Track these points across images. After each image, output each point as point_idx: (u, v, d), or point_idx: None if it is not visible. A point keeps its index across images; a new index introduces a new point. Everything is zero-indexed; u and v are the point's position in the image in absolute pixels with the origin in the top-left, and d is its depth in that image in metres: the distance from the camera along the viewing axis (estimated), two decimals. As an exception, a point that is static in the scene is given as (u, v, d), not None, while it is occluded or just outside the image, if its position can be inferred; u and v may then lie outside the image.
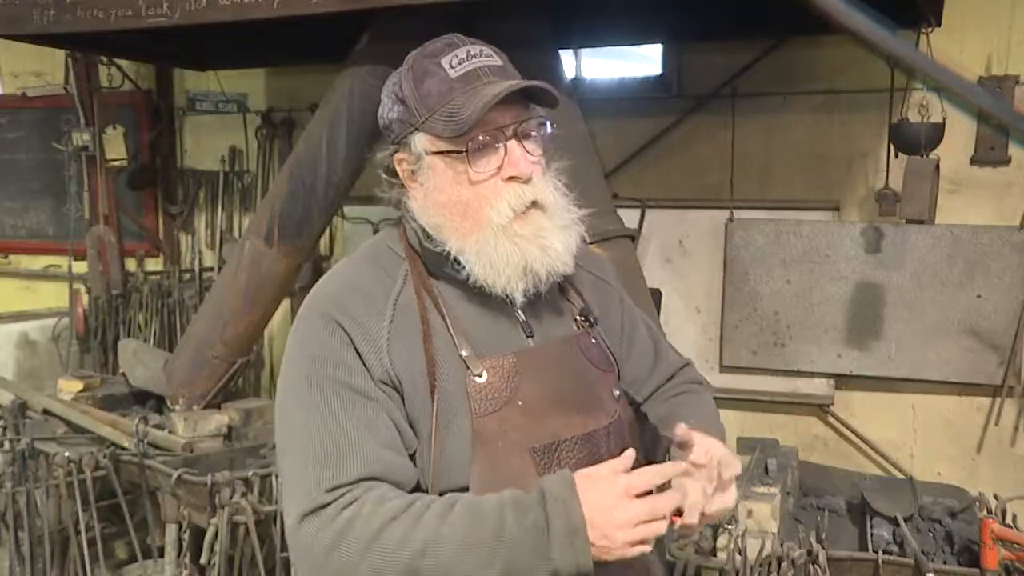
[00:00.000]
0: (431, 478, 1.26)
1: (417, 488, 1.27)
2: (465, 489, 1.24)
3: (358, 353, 1.25)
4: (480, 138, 1.25)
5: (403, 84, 1.30)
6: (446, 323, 1.30)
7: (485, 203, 1.27)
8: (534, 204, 1.28)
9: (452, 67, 1.26)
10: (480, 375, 1.27)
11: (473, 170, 1.26)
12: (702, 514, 1.26)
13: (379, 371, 1.25)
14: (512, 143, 1.27)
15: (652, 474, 1.14)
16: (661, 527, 1.13)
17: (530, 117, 1.29)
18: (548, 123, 1.33)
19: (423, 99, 1.26)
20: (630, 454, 1.17)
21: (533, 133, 1.30)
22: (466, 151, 1.25)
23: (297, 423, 1.26)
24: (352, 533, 1.15)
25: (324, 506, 1.18)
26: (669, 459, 1.32)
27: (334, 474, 1.19)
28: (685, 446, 1.27)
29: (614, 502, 1.11)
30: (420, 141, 1.29)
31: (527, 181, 1.27)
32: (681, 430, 1.26)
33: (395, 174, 1.35)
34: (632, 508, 1.12)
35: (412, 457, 1.27)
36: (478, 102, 1.22)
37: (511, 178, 1.27)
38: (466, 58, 1.27)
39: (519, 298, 1.30)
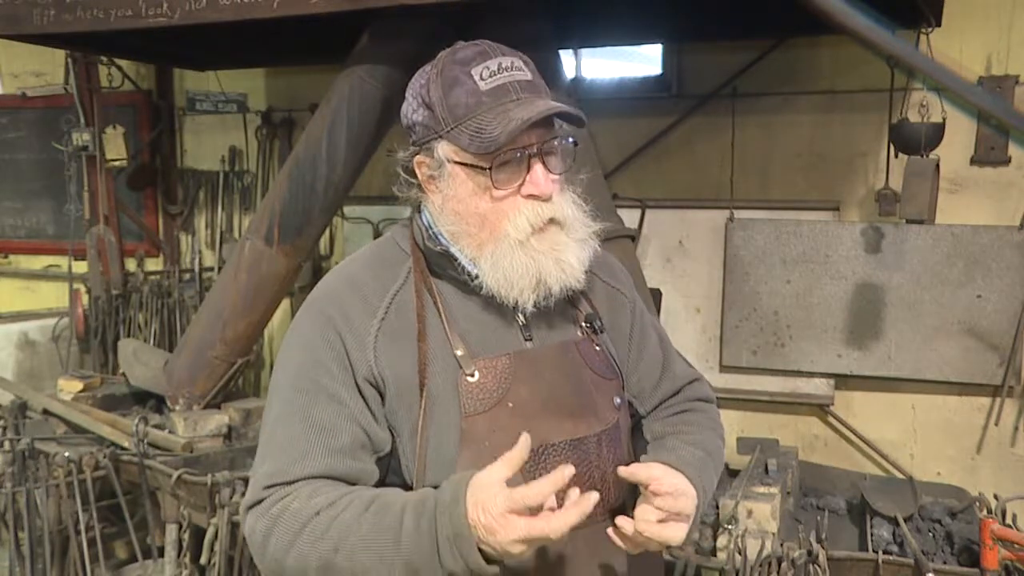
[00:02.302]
0: (416, 474, 1.28)
1: (403, 484, 1.30)
2: None
3: (345, 350, 1.28)
4: (505, 155, 1.25)
5: (431, 88, 1.28)
6: (443, 322, 1.31)
7: (504, 217, 1.28)
8: (551, 221, 1.29)
9: (483, 79, 1.25)
10: (472, 375, 1.29)
11: (496, 187, 1.27)
12: (641, 533, 1.26)
13: (363, 369, 1.28)
14: (535, 162, 1.27)
15: (533, 494, 1.11)
16: (546, 536, 1.11)
17: (553, 137, 1.30)
18: (570, 139, 1.33)
19: (451, 109, 1.26)
20: (524, 441, 1.15)
21: (556, 150, 1.31)
22: (490, 168, 1.26)
23: (271, 417, 1.32)
24: (281, 525, 1.21)
25: (261, 501, 1.25)
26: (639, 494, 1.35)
27: (279, 473, 1.25)
28: (640, 483, 1.29)
29: (497, 515, 1.10)
30: (443, 149, 1.29)
31: (547, 200, 1.28)
32: (625, 471, 1.29)
33: (414, 174, 1.35)
34: (512, 527, 1.10)
35: (382, 459, 1.31)
36: (508, 124, 1.22)
37: (531, 195, 1.27)
38: (497, 71, 1.26)
39: (530, 309, 1.31)
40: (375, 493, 1.23)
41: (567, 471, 1.12)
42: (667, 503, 1.27)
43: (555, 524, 1.10)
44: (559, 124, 1.32)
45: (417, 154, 1.33)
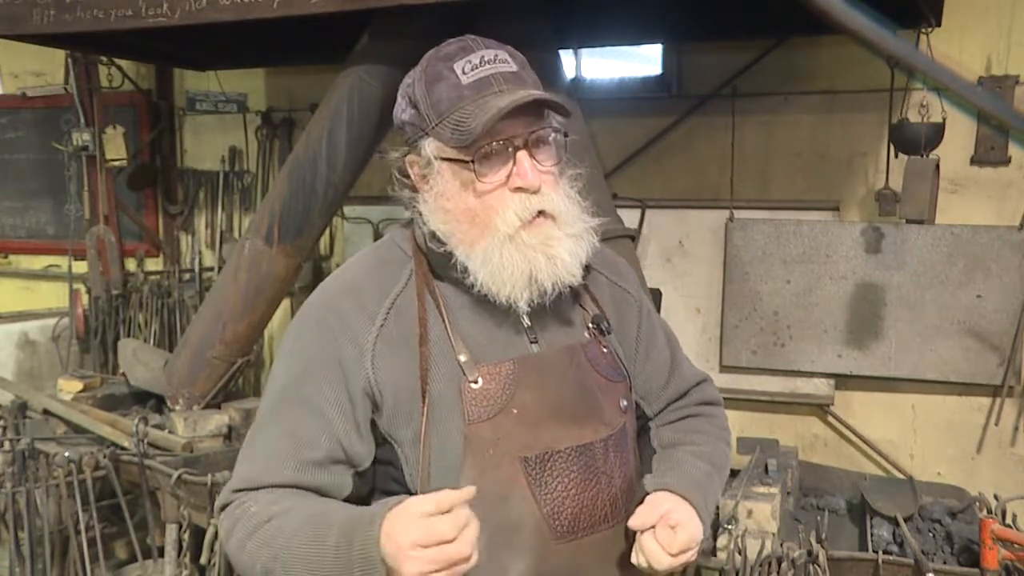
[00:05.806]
0: (420, 482, 1.26)
1: (406, 492, 1.28)
2: None
3: (340, 361, 1.27)
4: (488, 148, 1.23)
5: (416, 86, 1.27)
6: (446, 326, 1.29)
7: (492, 212, 1.25)
8: (541, 214, 1.26)
9: (464, 73, 1.23)
10: (476, 381, 1.26)
11: (479, 180, 1.24)
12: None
13: (360, 380, 1.26)
14: (521, 153, 1.25)
15: (447, 528, 1.08)
16: (456, 560, 1.09)
17: (541, 127, 1.26)
18: (562, 132, 1.30)
19: (434, 105, 1.24)
20: (468, 491, 1.12)
21: (546, 142, 1.28)
22: (473, 161, 1.23)
23: (257, 421, 1.34)
24: (239, 526, 1.24)
25: (230, 503, 1.28)
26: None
27: (248, 479, 1.28)
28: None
29: (404, 546, 1.09)
30: (430, 146, 1.27)
31: (535, 192, 1.25)
32: (635, 523, 1.30)
33: (408, 175, 1.34)
34: (418, 559, 1.08)
35: (362, 474, 1.31)
36: (485, 114, 1.20)
37: (518, 188, 1.25)
38: (479, 64, 1.24)
39: (523, 307, 1.28)
40: (321, 507, 1.23)
41: (469, 492, 1.11)
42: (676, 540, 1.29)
43: (460, 546, 1.08)
44: (549, 116, 1.29)
45: (408, 154, 1.32)
